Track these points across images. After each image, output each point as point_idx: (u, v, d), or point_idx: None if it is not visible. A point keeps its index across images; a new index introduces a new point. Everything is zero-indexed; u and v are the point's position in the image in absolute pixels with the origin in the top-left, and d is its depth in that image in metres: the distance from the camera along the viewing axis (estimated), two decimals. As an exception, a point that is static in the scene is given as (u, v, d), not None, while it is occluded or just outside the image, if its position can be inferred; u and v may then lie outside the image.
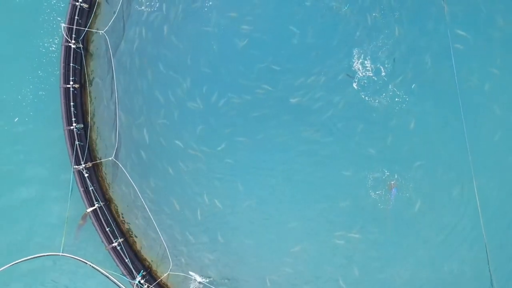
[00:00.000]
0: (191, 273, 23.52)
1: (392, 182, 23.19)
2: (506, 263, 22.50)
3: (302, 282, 23.31)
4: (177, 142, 24.09)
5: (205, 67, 24.07)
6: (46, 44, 24.70)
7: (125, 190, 24.33)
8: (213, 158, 23.87)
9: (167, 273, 23.69)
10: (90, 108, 24.51)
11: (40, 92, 24.69)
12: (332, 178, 23.42)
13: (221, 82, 23.94)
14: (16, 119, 24.77)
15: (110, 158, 24.27)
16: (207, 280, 23.45)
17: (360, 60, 23.25)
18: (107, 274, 23.41)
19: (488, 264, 22.27)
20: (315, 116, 23.50)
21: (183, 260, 23.81)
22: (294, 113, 23.62)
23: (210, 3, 24.00)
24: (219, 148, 23.81)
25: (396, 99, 23.03)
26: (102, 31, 24.19)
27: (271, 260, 23.54)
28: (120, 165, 24.17)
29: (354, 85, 23.20)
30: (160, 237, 23.77)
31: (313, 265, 23.29)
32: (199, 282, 23.41)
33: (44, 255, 23.40)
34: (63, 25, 23.14)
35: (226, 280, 23.61)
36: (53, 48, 24.63)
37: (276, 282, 23.40)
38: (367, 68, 23.24)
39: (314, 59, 23.54)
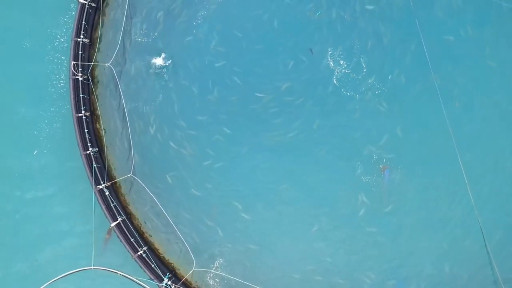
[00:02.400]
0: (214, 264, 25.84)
1: (381, 166, 25.26)
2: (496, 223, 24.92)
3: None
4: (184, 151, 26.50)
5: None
6: (54, 82, 26.95)
7: (144, 202, 26.53)
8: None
9: (191, 271, 25.72)
10: (102, 132, 26.71)
11: (54, 125, 26.90)
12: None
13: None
14: (35, 152, 26.97)
15: (129, 175, 26.41)
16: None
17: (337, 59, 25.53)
18: (137, 281, 25.34)
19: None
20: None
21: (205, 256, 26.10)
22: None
23: (199, 22, 26.26)
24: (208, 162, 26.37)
25: (377, 92, 25.37)
26: (108, 64, 26.37)
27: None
28: (139, 180, 26.26)
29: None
30: (181, 238, 25.90)
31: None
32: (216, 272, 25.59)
33: (78, 271, 25.35)
34: (73, 62, 25.30)
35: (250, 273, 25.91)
36: (61, 84, 26.88)
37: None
38: (343, 66, 25.52)
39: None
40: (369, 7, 25.56)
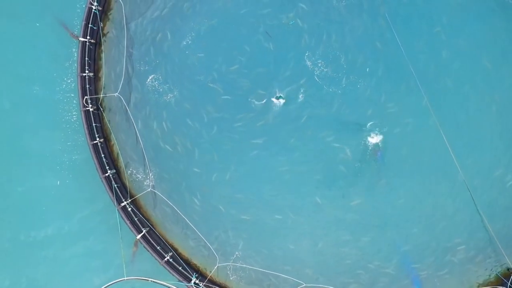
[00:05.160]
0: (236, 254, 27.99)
1: (373, 150, 27.37)
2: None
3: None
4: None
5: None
6: (67, 118, 29.29)
7: (165, 211, 28.71)
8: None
9: (216, 266, 27.70)
10: (118, 155, 29.01)
11: (74, 157, 29.17)
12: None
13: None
14: (58, 182, 29.27)
15: (148, 190, 28.59)
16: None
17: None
18: (169, 285, 27.29)
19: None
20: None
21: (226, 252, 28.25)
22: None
23: (189, 40, 28.83)
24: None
25: (358, 86, 27.77)
26: (117, 93, 28.78)
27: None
28: (159, 193, 28.52)
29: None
30: (203, 239, 28.06)
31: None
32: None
33: (113, 283, 27.34)
34: (85, 97, 27.87)
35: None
36: (74, 119, 29.21)
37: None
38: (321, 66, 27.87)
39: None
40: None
